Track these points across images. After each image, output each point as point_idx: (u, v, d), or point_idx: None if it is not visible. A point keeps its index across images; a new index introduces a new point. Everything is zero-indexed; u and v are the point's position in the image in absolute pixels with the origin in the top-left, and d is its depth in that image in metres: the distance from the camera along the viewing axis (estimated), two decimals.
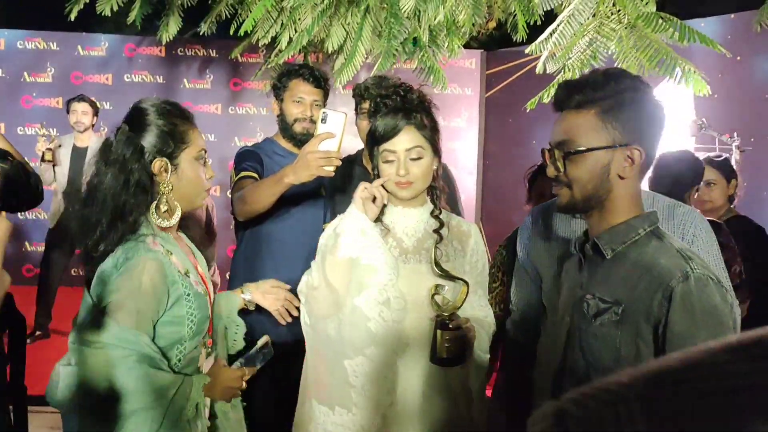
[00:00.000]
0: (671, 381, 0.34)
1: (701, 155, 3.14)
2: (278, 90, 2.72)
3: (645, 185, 2.80)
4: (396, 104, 1.90)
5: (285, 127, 2.68)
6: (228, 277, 2.83)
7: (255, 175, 2.53)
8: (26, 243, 6.75)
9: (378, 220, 1.93)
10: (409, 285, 1.84)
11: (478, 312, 1.97)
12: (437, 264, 1.85)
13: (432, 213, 1.94)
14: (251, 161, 2.59)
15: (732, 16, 5.07)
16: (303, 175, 2.04)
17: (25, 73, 6.73)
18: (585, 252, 1.46)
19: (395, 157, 1.86)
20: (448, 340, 1.77)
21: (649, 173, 2.02)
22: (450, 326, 1.77)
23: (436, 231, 1.91)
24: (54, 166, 4.90)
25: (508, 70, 6.67)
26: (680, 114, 3.97)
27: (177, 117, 1.70)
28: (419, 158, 1.86)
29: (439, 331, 1.77)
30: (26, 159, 2.12)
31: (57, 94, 6.68)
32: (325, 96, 2.75)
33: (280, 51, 4.50)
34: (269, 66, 5.79)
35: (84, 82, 6.66)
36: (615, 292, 1.37)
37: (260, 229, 2.60)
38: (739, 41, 4.70)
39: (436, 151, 1.91)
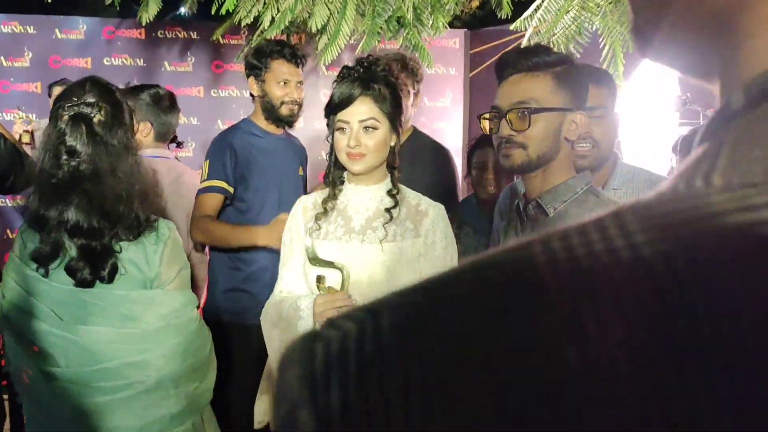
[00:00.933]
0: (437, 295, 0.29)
1: (685, 130, 3.15)
2: (257, 70, 2.64)
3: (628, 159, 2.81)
4: (357, 74, 1.85)
5: (269, 109, 2.62)
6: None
7: (224, 185, 2.49)
8: (8, 231, 6.67)
9: (333, 197, 1.89)
10: (351, 265, 1.78)
11: None
12: (312, 257, 1.80)
13: (389, 191, 1.88)
14: (220, 164, 2.52)
15: None
16: (278, 242, 2.07)
17: (2, 58, 6.60)
18: (527, 212, 1.57)
19: (348, 127, 1.82)
20: None
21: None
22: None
23: (388, 210, 1.85)
24: (32, 149, 4.84)
25: (492, 49, 6.64)
26: (663, 90, 3.99)
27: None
28: (373, 130, 1.81)
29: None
30: None
31: (35, 79, 6.56)
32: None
33: (263, 31, 4.44)
34: (252, 47, 5.74)
35: (62, 66, 6.55)
36: None
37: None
38: None
39: (395, 127, 1.86)
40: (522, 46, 3.79)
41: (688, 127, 3.62)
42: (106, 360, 1.63)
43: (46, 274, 1.64)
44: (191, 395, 1.72)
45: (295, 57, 2.64)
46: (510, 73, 1.54)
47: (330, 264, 1.77)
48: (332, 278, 1.78)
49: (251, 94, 2.71)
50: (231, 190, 2.52)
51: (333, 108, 1.85)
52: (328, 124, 1.89)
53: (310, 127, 7.32)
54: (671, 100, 3.93)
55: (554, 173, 1.52)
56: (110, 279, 1.65)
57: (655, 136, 4.02)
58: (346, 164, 1.84)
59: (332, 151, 1.88)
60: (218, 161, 2.51)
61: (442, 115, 6.90)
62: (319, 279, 1.77)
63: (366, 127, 1.80)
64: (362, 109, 1.81)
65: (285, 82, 2.60)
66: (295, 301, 1.83)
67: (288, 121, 2.63)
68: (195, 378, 1.75)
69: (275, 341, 1.89)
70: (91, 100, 1.66)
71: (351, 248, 1.82)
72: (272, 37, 4.71)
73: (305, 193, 2.64)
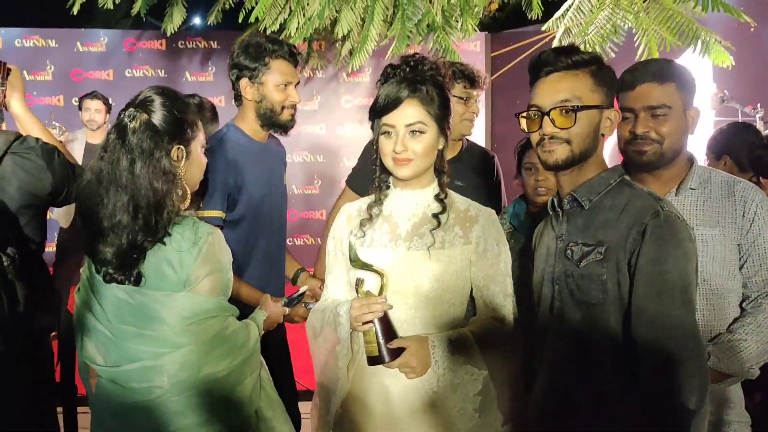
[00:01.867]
0: None
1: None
2: (253, 71, 2.32)
3: (703, 161, 2.70)
4: (403, 73, 1.74)
5: (267, 115, 2.36)
6: None
7: (220, 214, 2.27)
8: None
9: (379, 202, 1.82)
10: (397, 273, 1.71)
11: (488, 312, 1.78)
12: (354, 259, 1.72)
13: (436, 196, 1.79)
14: (220, 191, 2.27)
15: None
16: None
17: (25, 72, 6.65)
18: (563, 207, 1.62)
19: (394, 131, 1.72)
20: (370, 336, 1.67)
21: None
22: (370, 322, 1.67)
23: (435, 215, 1.76)
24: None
25: (513, 51, 6.60)
26: (700, 87, 3.91)
27: (187, 106, 1.76)
28: (421, 134, 1.71)
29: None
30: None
31: (58, 92, 6.61)
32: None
33: (287, 38, 4.43)
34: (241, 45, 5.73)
35: (85, 79, 6.59)
36: (596, 235, 1.55)
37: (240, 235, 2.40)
38: (752, 10, 4.63)
39: (443, 130, 1.76)
40: (553, 47, 3.74)
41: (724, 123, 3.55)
42: (130, 361, 1.63)
43: (98, 270, 1.69)
44: (215, 406, 1.67)
45: (294, 56, 2.38)
46: (549, 71, 1.57)
47: (369, 267, 1.70)
48: (371, 282, 1.71)
49: (236, 98, 2.41)
50: (224, 215, 2.31)
51: (378, 111, 1.75)
52: (372, 127, 1.79)
53: (331, 134, 7.32)
54: (708, 98, 3.87)
55: (589, 168, 1.58)
56: (137, 280, 1.63)
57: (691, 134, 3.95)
58: (392, 170, 1.75)
59: (377, 155, 1.78)
60: (217, 187, 2.26)
61: None
62: (359, 282, 1.70)
63: (413, 131, 1.71)
64: (409, 113, 1.71)
65: (286, 85, 2.35)
66: (335, 308, 1.78)
67: (288, 127, 2.40)
68: (219, 389, 1.68)
69: (320, 353, 1.85)
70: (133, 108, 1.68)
71: (397, 255, 1.74)
72: (296, 45, 4.70)
73: (285, 201, 2.51)
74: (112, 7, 4.56)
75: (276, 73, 2.33)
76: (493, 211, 1.84)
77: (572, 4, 3.44)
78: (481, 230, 1.77)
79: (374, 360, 1.68)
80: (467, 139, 2.83)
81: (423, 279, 1.71)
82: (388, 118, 1.73)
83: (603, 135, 1.58)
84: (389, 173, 1.80)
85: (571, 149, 1.54)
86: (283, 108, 2.35)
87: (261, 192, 2.35)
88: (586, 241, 1.56)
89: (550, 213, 1.68)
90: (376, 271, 1.70)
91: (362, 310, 1.67)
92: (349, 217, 1.88)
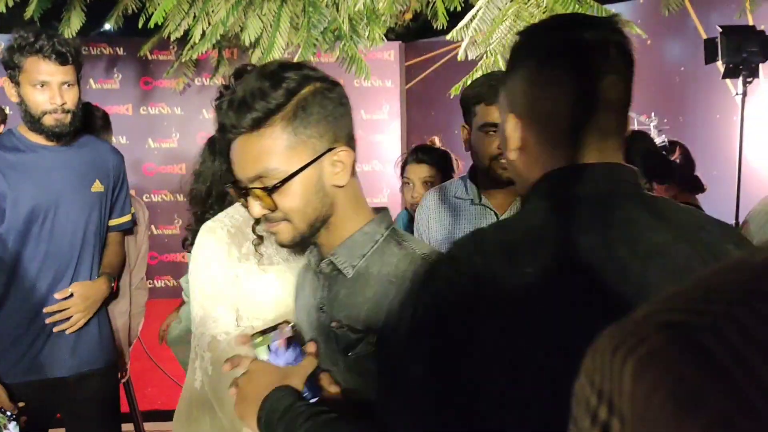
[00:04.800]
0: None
1: None
2: (12, 70, 2.08)
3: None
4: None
5: (29, 119, 2.10)
6: None
7: None
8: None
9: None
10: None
11: None
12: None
13: None
14: None
15: (641, 0, 5.23)
16: None
17: None
18: (321, 270, 1.20)
19: None
20: None
21: None
22: None
23: None
24: None
25: (427, 60, 6.67)
26: None
27: None
28: None
29: None
30: None
31: None
32: (78, 70, 2.14)
33: (193, 46, 4.31)
34: (183, 61, 5.57)
35: None
36: (364, 318, 1.13)
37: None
38: (648, 25, 4.85)
39: None
40: (458, 58, 3.81)
41: None
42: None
43: None
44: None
45: (56, 52, 2.05)
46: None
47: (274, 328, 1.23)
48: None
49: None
50: None
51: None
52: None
53: None
54: None
55: (340, 224, 1.18)
56: None
57: None
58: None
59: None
60: None
61: (380, 128, 6.88)
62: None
63: None
64: None
65: (43, 85, 2.06)
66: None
67: (55, 134, 2.11)
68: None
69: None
70: None
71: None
72: (203, 53, 4.56)
73: (106, 210, 2.30)
74: (4, 10, 4.31)
75: (31, 72, 2.06)
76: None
77: (476, 14, 3.49)
78: None
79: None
80: None
81: None
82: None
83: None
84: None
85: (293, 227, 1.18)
86: (44, 112, 2.07)
87: (30, 202, 2.11)
88: (352, 324, 1.14)
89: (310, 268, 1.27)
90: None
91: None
92: (230, 233, 1.58)
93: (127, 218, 2.43)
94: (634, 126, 4.08)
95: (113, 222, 2.37)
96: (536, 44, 0.98)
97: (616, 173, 0.94)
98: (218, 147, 1.78)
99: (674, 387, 0.35)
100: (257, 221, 1.62)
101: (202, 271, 1.57)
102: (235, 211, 1.63)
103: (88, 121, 2.49)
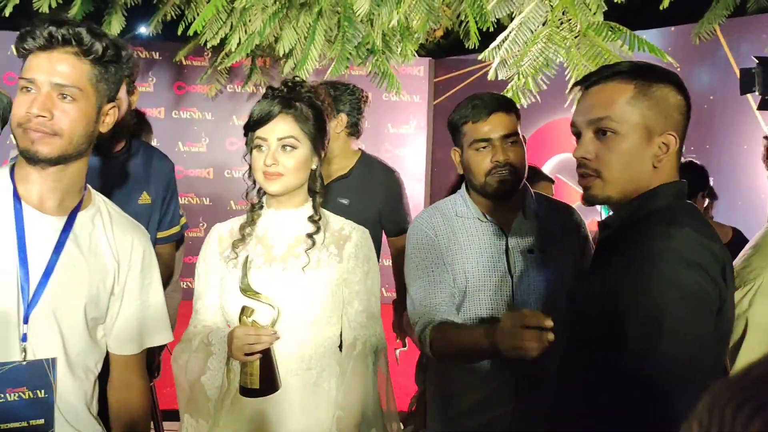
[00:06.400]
0: None
1: None
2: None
3: None
4: (281, 94, 1.74)
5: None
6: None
7: None
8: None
9: (251, 222, 1.79)
10: (272, 294, 1.68)
11: (351, 331, 1.78)
12: (244, 287, 1.68)
13: (310, 217, 1.78)
14: None
15: (672, 29, 5.25)
16: None
17: None
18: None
19: (266, 144, 1.71)
20: (252, 368, 1.63)
21: None
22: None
23: (309, 235, 1.75)
24: None
25: (456, 77, 6.73)
26: None
27: None
28: (292, 149, 1.71)
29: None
30: None
31: None
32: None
33: (227, 54, 4.40)
34: (218, 69, 5.68)
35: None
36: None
37: None
38: (678, 53, 4.87)
39: (317, 150, 1.76)
40: (489, 78, 3.85)
41: None
42: None
43: None
44: None
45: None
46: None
47: (259, 296, 1.65)
48: (260, 313, 1.65)
49: None
50: None
51: (252, 125, 1.74)
52: (246, 143, 1.78)
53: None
54: None
55: None
56: None
57: None
58: (263, 184, 1.74)
59: (251, 171, 1.77)
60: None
61: (406, 142, 6.94)
62: (245, 311, 1.64)
63: (285, 146, 1.70)
64: (281, 127, 1.71)
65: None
66: (207, 336, 1.72)
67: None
68: None
69: (185, 386, 1.75)
70: None
71: (272, 277, 1.71)
72: (237, 61, 4.65)
73: (154, 222, 2.32)
74: (47, 11, 4.44)
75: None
76: (366, 230, 1.85)
77: (508, 36, 3.54)
78: (353, 247, 1.78)
79: (251, 392, 1.64)
80: (366, 154, 2.90)
81: (299, 299, 1.70)
82: (261, 132, 1.72)
83: None
84: (262, 191, 1.79)
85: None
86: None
87: None
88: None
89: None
90: (269, 304, 1.66)
91: (248, 340, 1.62)
92: (220, 238, 1.83)
93: (175, 229, 2.42)
94: None
95: (162, 234, 2.35)
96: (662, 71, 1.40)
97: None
98: None
99: None
100: (243, 225, 1.76)
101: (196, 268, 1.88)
102: (235, 220, 1.84)
103: (136, 127, 2.50)
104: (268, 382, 1.64)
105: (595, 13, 3.53)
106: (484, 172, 1.91)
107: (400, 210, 2.96)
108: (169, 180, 2.36)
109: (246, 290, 1.68)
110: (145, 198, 2.26)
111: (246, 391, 1.66)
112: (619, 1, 3.65)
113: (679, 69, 4.83)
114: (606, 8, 3.50)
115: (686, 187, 1.40)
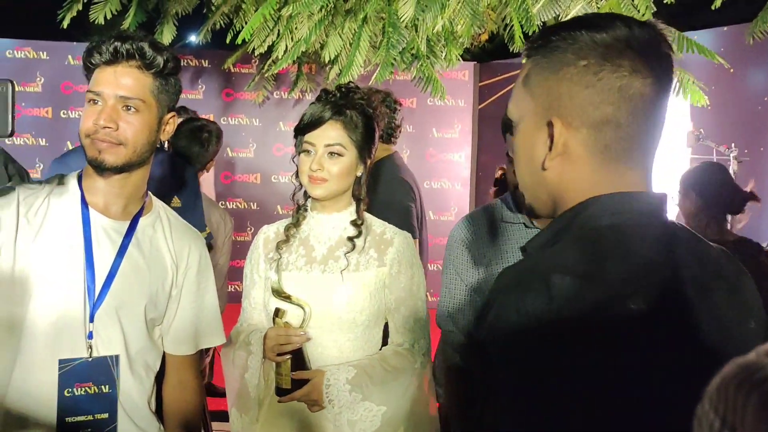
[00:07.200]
0: None
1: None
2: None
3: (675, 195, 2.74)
4: (334, 99, 1.76)
5: None
6: None
7: None
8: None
9: (296, 224, 1.83)
10: (311, 296, 1.73)
11: (399, 336, 1.80)
12: (276, 289, 1.72)
13: (353, 221, 1.81)
14: None
15: (724, 28, 5.12)
16: None
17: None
18: None
19: (314, 149, 1.74)
20: (284, 368, 1.67)
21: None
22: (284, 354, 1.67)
23: (350, 239, 1.78)
24: None
25: (501, 81, 6.69)
26: (676, 124, 4.00)
27: None
28: (338, 156, 1.74)
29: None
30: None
31: (47, 104, 6.61)
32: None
33: (275, 61, 4.48)
34: (265, 75, 5.78)
35: (74, 92, 6.60)
36: None
37: None
38: (731, 53, 4.75)
39: (363, 158, 1.79)
40: None
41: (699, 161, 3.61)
42: None
43: None
44: None
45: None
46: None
47: (290, 298, 1.71)
48: (293, 314, 1.71)
49: None
50: None
51: (301, 128, 1.78)
52: (295, 145, 1.82)
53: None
54: (685, 135, 3.94)
55: None
56: None
57: (667, 171, 4.02)
58: (307, 188, 1.77)
59: (298, 174, 1.81)
60: None
61: (452, 146, 6.93)
62: (278, 312, 1.69)
63: (331, 153, 1.73)
64: (330, 134, 1.73)
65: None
66: (248, 335, 1.78)
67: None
68: None
69: (233, 379, 1.81)
70: None
71: (312, 279, 1.76)
72: (284, 68, 4.72)
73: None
74: (103, 22, 4.60)
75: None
76: (409, 235, 1.86)
77: None
78: (395, 253, 1.79)
79: (284, 392, 1.68)
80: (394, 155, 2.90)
81: (336, 302, 1.73)
82: (309, 137, 1.76)
83: None
84: (307, 195, 1.82)
85: None
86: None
87: None
88: None
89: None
90: (298, 305, 1.70)
91: (278, 340, 1.67)
92: (266, 239, 1.88)
93: (202, 235, 2.46)
94: (713, 157, 3.99)
95: None
96: (586, 42, 0.88)
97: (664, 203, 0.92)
98: None
99: None
100: (288, 226, 1.80)
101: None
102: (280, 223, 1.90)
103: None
104: (299, 382, 1.67)
105: (643, 14, 3.48)
106: None
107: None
108: (194, 186, 2.43)
109: (277, 292, 1.73)
110: (176, 202, 2.33)
111: (280, 391, 1.70)
112: (669, 2, 3.58)
113: (732, 71, 4.71)
114: (654, 9, 3.44)
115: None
